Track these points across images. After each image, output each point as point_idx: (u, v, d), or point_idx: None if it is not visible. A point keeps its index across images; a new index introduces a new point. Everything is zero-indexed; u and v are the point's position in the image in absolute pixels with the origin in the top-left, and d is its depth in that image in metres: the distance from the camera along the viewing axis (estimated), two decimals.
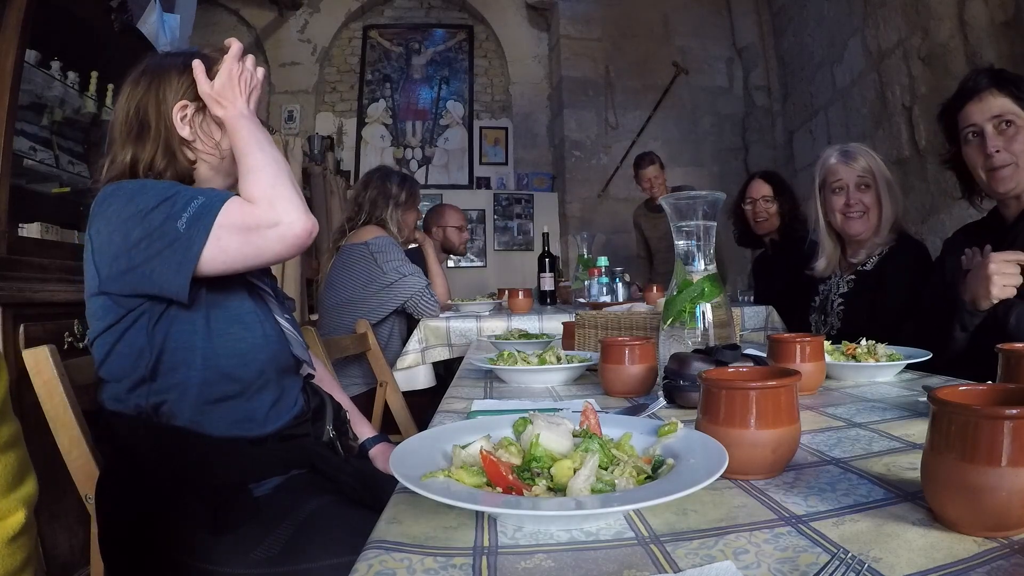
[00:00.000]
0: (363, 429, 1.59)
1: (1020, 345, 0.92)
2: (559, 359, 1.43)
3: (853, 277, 2.11)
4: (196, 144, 1.27)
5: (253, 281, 1.30)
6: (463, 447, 0.69)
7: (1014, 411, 0.52)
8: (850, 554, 0.51)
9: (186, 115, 1.25)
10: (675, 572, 0.50)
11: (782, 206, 3.02)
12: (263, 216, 1.13)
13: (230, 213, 1.11)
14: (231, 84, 1.23)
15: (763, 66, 6.16)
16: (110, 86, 2.83)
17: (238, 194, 1.17)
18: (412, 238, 3.04)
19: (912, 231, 2.15)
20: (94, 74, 2.81)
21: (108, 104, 2.82)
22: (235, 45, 1.26)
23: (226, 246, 1.11)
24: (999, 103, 1.58)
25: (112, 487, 1.16)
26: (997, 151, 1.56)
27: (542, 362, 1.41)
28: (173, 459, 1.16)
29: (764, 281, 3.17)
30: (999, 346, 0.93)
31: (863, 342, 1.40)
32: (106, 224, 1.13)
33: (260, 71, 1.30)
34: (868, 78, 4.39)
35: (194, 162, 1.29)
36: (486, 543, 0.56)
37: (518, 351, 1.49)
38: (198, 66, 1.24)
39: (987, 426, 0.53)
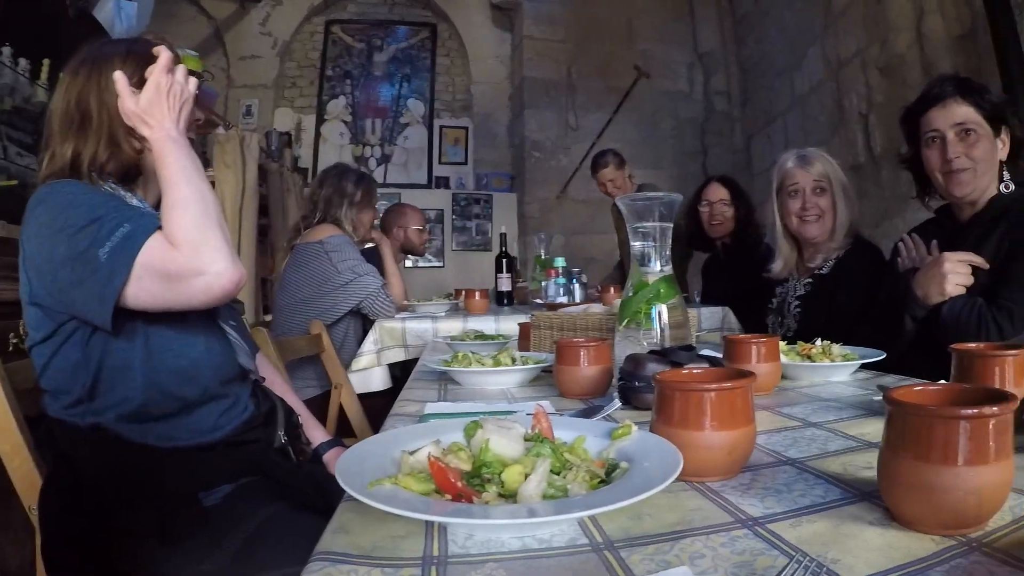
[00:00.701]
0: (316, 433, 1.55)
1: (973, 345, 0.94)
2: (514, 360, 1.41)
3: (810, 280, 2.13)
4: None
5: None
6: (411, 453, 0.67)
7: (970, 411, 0.53)
8: (808, 556, 0.50)
9: None
10: None
11: (738, 210, 3.05)
12: (186, 264, 1.06)
13: (151, 253, 1.05)
14: (159, 100, 1.15)
15: (724, 72, 6.26)
16: (62, 74, 2.74)
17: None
18: (368, 237, 2.99)
19: (866, 234, 2.18)
20: (46, 62, 2.71)
21: None
22: (164, 55, 1.17)
23: (148, 287, 1.05)
24: (962, 111, 1.60)
25: (55, 496, 1.10)
26: (957, 157, 1.59)
27: (497, 364, 1.38)
28: (118, 468, 1.11)
29: (713, 283, 3.19)
30: (952, 346, 0.94)
31: (818, 342, 1.41)
32: (37, 232, 1.09)
33: (192, 83, 1.21)
34: (826, 86, 4.48)
35: (140, 151, 1.22)
36: (436, 552, 0.54)
37: (473, 352, 1.47)
38: (120, 79, 1.15)
39: (943, 426, 0.53)
